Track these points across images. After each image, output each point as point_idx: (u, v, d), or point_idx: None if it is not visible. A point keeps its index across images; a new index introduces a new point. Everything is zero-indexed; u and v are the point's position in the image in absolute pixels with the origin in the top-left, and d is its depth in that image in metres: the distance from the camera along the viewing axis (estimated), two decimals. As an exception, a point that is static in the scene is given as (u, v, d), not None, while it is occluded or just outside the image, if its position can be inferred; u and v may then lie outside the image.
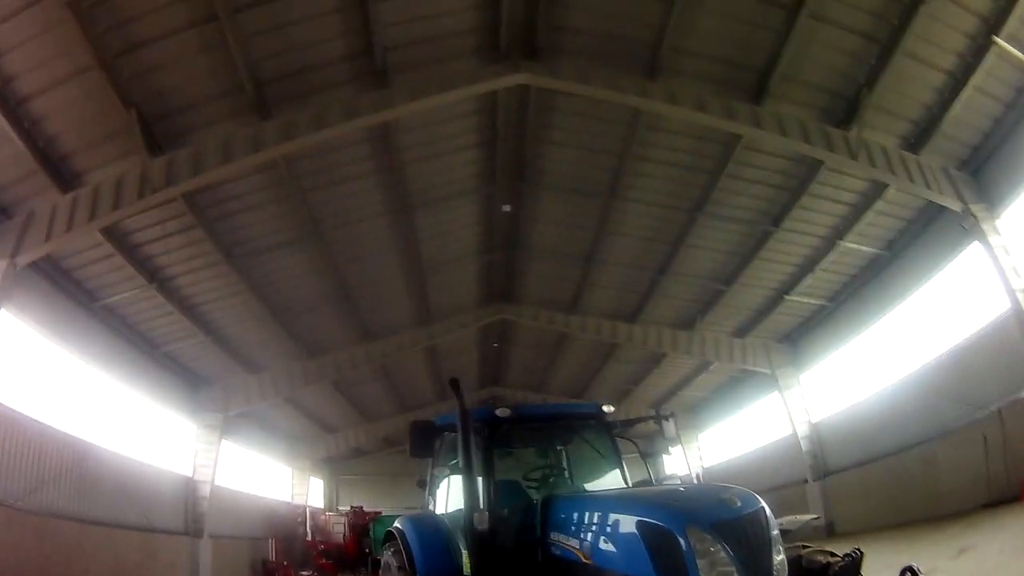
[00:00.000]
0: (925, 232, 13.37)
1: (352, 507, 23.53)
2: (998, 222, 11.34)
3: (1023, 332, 10.78)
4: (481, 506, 4.59)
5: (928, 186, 11.28)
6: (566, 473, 6.15)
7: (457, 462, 4.95)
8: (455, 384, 4.86)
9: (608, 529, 4.19)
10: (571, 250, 16.14)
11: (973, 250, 11.91)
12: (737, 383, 21.71)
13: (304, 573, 19.57)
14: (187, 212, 11.21)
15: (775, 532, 3.94)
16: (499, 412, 5.28)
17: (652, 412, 6.24)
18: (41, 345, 11.44)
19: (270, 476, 23.45)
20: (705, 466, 25.27)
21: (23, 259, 9.28)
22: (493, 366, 24.98)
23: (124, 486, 13.11)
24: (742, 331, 18.34)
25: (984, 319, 11.98)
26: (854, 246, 14.09)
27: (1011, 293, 10.90)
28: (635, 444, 6.17)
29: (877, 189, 12.50)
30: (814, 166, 12.14)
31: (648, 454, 6.72)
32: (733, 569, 3.61)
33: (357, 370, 19.53)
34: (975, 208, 11.34)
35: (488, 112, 12.01)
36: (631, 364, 21.89)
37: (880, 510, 14.41)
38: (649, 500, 4.26)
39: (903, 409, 13.92)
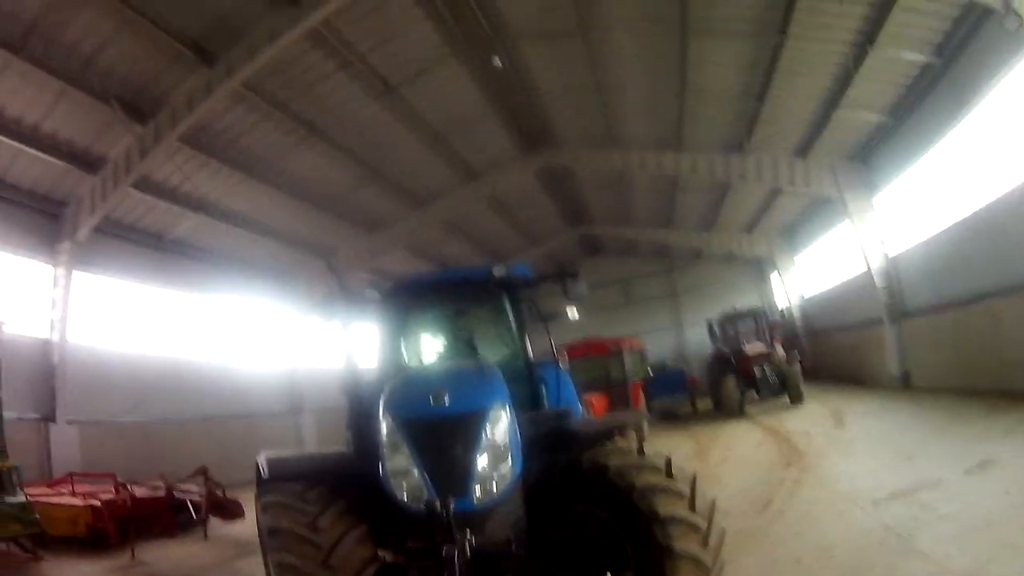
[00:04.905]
0: (978, 34, 12.19)
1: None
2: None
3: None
4: (349, 377, 5.57)
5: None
6: (466, 345, 6.44)
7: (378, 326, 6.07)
8: (333, 267, 7.17)
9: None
10: (579, 85, 17.78)
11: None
12: (822, 206, 21.66)
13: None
14: (197, 153, 15.42)
15: (491, 437, 4.16)
16: (376, 290, 5.97)
17: (556, 270, 6.06)
18: (133, 289, 16.85)
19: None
20: (805, 296, 26.19)
21: (82, 234, 14.44)
22: (573, 207, 27.76)
23: (223, 386, 18.51)
24: (802, 150, 18.67)
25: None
26: (894, 52, 13.44)
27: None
28: (536, 308, 6.50)
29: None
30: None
31: (548, 318, 6.87)
32: (415, 468, 4.07)
33: (427, 232, 23.84)
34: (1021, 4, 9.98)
35: (416, -15, 13.76)
36: (700, 192, 23.39)
37: (949, 368, 14.68)
38: (390, 384, 4.71)
39: (968, 253, 13.71)
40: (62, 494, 10.28)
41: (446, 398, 4.21)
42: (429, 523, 3.83)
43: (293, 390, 21.89)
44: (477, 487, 4.06)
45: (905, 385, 16.87)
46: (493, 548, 3.99)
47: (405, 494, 4.12)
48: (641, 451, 4.56)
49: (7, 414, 10.09)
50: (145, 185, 15.49)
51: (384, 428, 4.30)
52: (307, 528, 4.14)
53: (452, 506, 3.78)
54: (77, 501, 9.95)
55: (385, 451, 4.24)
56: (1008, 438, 9.13)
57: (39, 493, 9.88)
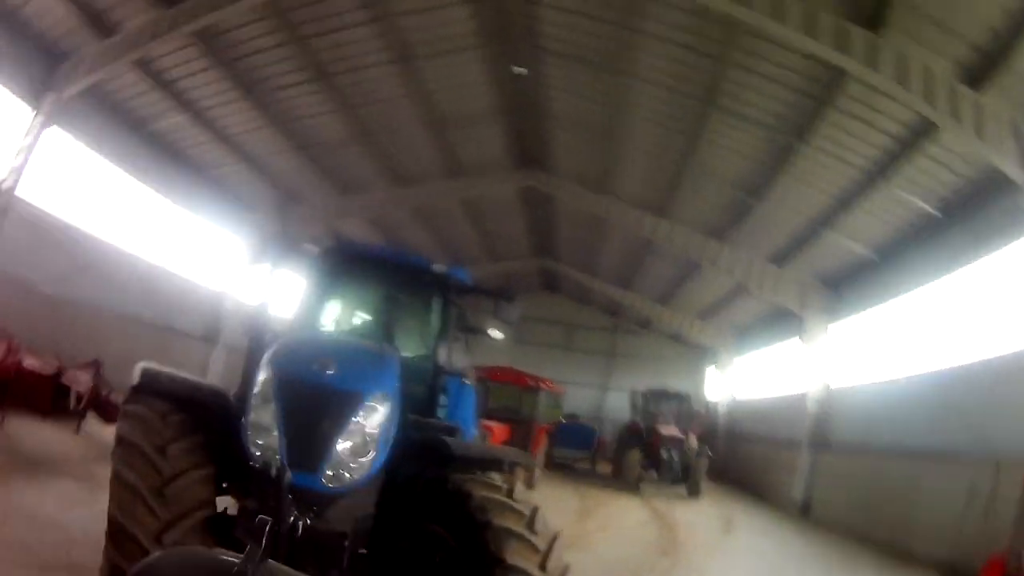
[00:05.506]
0: (989, 199, 11.88)
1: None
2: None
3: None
4: (258, 321, 5.53)
5: (979, 134, 9.87)
6: (382, 328, 6.18)
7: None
8: (281, 210, 7.19)
9: None
10: (592, 124, 18.28)
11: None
12: (780, 316, 22.00)
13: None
14: (206, 54, 15.22)
15: (361, 423, 4.08)
16: (310, 247, 6.01)
17: (504, 289, 6.41)
18: (101, 165, 16.40)
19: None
20: (736, 397, 27.17)
21: (70, 91, 14.04)
22: (543, 237, 28.26)
23: (152, 289, 17.95)
24: (779, 258, 19.22)
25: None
26: (901, 193, 13.65)
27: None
28: (465, 318, 6.67)
29: (927, 127, 11.61)
30: (838, 73, 11.82)
31: (472, 329, 7.18)
32: (275, 429, 3.99)
33: (395, 212, 23.96)
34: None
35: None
36: (670, 265, 23.97)
37: (853, 509, 14.84)
38: (282, 339, 4.81)
39: (906, 409, 13.91)
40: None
41: (330, 369, 4.17)
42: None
43: (214, 318, 21.37)
44: (330, 469, 3.95)
45: (803, 513, 17.16)
46: (326, 535, 3.83)
47: (258, 451, 4.03)
48: (511, 493, 4.26)
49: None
50: (146, 69, 15.25)
51: (260, 379, 4.23)
52: (155, 450, 4.05)
53: (289, 478, 3.54)
54: (-35, 353, 9.71)
55: (254, 403, 4.17)
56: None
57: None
